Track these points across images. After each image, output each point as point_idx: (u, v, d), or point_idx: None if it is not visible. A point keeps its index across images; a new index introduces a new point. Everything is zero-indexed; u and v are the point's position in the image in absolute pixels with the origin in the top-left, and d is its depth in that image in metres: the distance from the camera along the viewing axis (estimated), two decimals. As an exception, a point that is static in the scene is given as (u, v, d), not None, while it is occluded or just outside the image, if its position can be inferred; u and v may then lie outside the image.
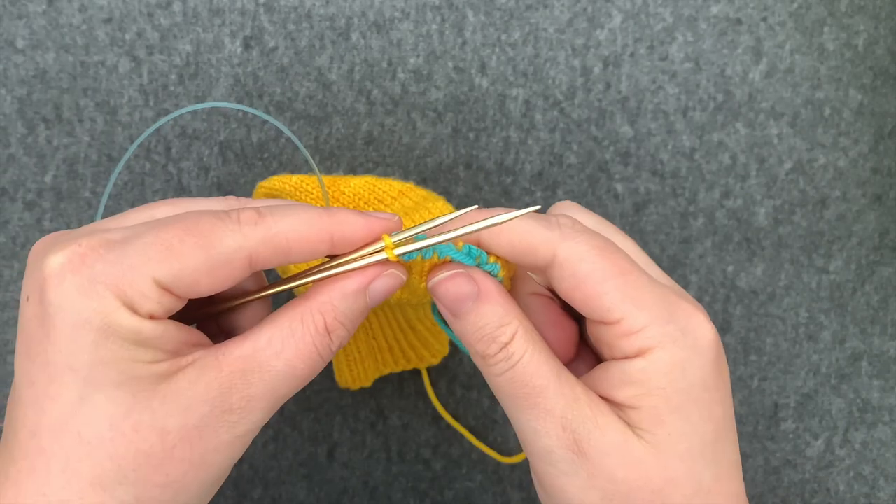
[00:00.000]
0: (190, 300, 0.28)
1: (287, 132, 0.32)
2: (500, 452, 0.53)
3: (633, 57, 0.53)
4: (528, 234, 0.30)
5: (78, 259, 0.26)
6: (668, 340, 0.28)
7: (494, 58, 0.53)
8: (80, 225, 0.53)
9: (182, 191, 0.53)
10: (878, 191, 0.54)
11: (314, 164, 0.33)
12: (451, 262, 0.31)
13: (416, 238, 0.30)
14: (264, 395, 0.27)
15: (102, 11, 0.52)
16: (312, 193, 0.43)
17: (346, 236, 0.29)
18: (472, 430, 0.53)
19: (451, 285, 0.30)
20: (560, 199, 0.54)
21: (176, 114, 0.33)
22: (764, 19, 0.54)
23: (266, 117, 0.31)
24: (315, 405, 0.53)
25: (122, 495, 0.25)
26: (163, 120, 0.33)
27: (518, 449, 0.54)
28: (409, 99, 0.53)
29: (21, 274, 0.53)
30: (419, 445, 0.54)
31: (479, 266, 0.31)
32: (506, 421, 0.54)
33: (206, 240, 0.26)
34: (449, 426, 0.53)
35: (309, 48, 0.53)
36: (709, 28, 0.53)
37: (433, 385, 0.53)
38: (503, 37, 0.53)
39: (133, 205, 0.53)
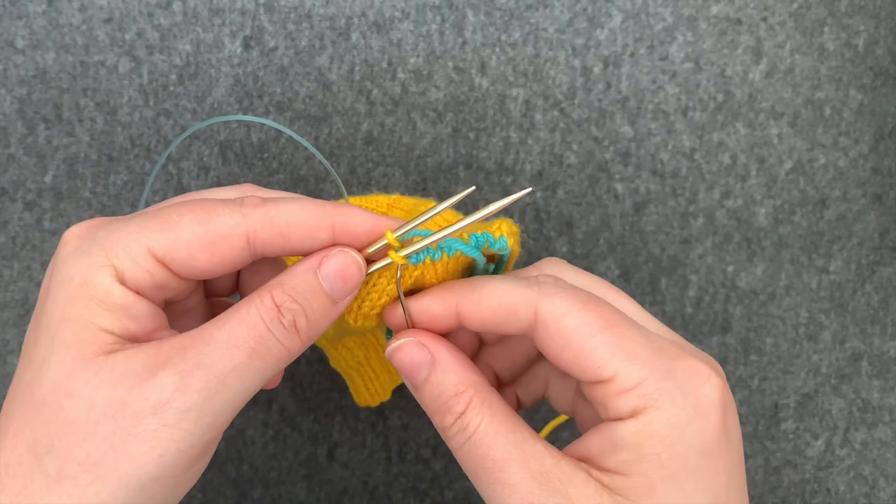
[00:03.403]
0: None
1: (317, 154, 0.32)
2: (500, 452, 0.53)
3: (633, 57, 0.53)
4: (507, 294, 0.28)
5: (86, 228, 0.28)
6: (664, 399, 0.26)
7: (494, 58, 0.53)
8: (80, 225, 0.53)
9: (182, 191, 0.53)
10: (878, 191, 0.54)
11: (340, 183, 0.33)
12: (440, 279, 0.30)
13: (421, 234, 0.29)
14: (200, 368, 0.25)
15: (102, 11, 0.52)
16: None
17: (347, 227, 0.28)
18: (472, 430, 0.53)
19: (402, 354, 0.29)
20: (560, 199, 0.54)
21: (218, 119, 0.33)
22: (764, 19, 0.54)
23: (302, 140, 0.31)
24: (315, 405, 0.53)
25: (48, 465, 0.25)
26: (207, 122, 0.33)
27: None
28: (409, 99, 0.53)
29: (21, 274, 0.53)
30: (419, 445, 0.54)
31: (500, 259, 0.30)
32: (506, 421, 0.54)
33: (204, 215, 0.27)
34: (449, 426, 0.53)
35: (309, 48, 0.53)
36: (709, 28, 0.53)
37: (433, 385, 0.53)
38: (503, 37, 0.53)
39: (133, 205, 0.53)
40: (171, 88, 0.53)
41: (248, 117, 0.29)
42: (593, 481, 0.26)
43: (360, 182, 0.53)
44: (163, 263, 0.27)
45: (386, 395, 0.51)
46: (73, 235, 0.27)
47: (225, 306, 0.34)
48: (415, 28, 0.53)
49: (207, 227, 0.27)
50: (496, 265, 0.33)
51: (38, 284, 0.53)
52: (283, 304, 0.27)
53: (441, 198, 0.53)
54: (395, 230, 0.29)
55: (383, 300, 0.31)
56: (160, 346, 0.26)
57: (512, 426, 0.28)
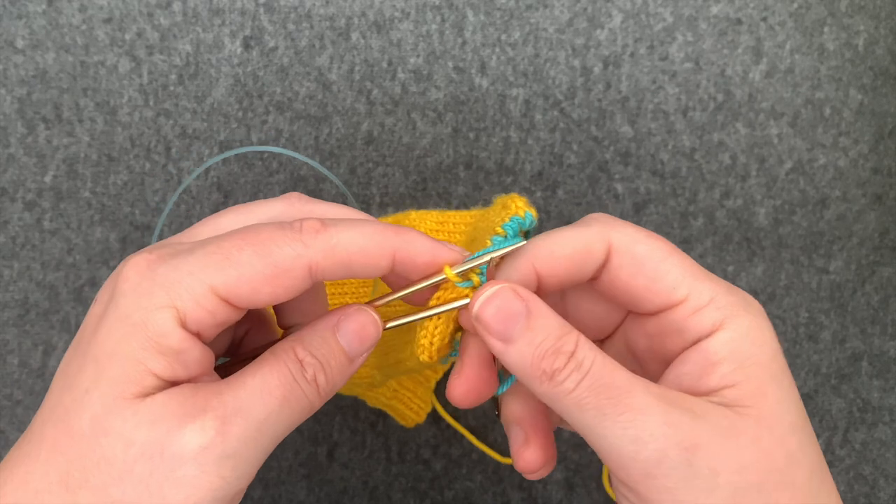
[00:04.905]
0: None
1: (336, 181, 0.32)
2: (500, 452, 0.53)
3: (633, 57, 0.53)
4: (578, 238, 0.29)
5: (145, 264, 0.27)
6: (738, 309, 0.27)
7: (494, 58, 0.53)
8: (78, 225, 0.53)
9: (182, 191, 0.53)
10: (878, 191, 0.54)
11: (354, 201, 0.33)
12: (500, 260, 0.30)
13: (481, 269, 0.29)
14: (239, 415, 0.25)
15: (102, 11, 0.52)
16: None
17: (409, 256, 0.28)
18: (472, 430, 0.53)
19: (499, 301, 0.28)
20: (560, 199, 0.54)
21: (250, 149, 0.33)
22: (764, 19, 0.54)
23: (324, 171, 0.31)
24: (315, 405, 0.53)
25: (81, 499, 0.24)
26: (241, 150, 0.33)
27: (518, 449, 0.53)
28: (409, 99, 0.53)
29: (21, 274, 0.53)
30: (419, 445, 0.54)
31: (527, 234, 0.30)
32: (506, 421, 0.54)
33: (265, 248, 0.26)
34: (449, 426, 0.53)
35: (309, 48, 0.53)
36: (709, 28, 0.53)
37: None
38: (503, 37, 0.53)
39: (133, 204, 0.53)
40: (171, 88, 0.53)
41: (288, 152, 0.29)
42: (704, 399, 0.27)
43: (360, 182, 0.53)
44: (225, 300, 0.26)
45: (428, 407, 0.51)
46: (134, 272, 0.27)
47: (256, 313, 0.34)
48: (415, 28, 0.53)
49: (268, 260, 0.26)
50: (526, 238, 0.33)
51: (38, 284, 0.53)
52: (303, 359, 0.27)
53: (440, 198, 0.53)
54: (454, 266, 0.29)
55: (451, 327, 0.30)
56: (196, 389, 0.26)
57: (617, 363, 0.27)
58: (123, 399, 0.25)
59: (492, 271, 0.30)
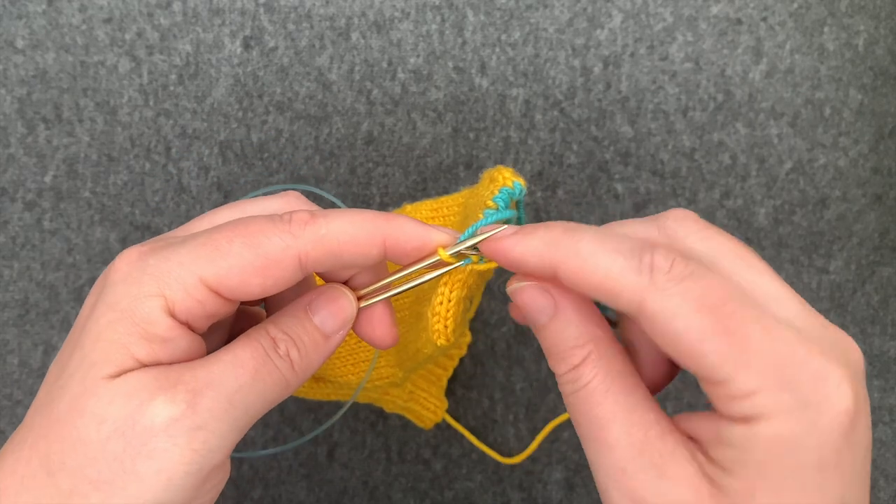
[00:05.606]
0: None
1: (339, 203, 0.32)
2: (500, 452, 0.53)
3: (633, 57, 0.53)
4: (610, 277, 0.25)
5: (136, 255, 0.27)
6: (780, 412, 0.23)
7: (494, 58, 0.53)
8: (78, 225, 0.53)
9: (182, 191, 0.53)
10: (878, 191, 0.54)
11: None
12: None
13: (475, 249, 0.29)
14: (210, 388, 0.26)
15: (102, 11, 0.52)
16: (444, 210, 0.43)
17: (399, 243, 0.28)
18: (472, 430, 0.53)
19: (525, 296, 0.28)
20: (560, 199, 0.54)
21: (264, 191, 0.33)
22: (764, 19, 0.54)
23: (331, 198, 0.31)
24: (315, 405, 0.53)
25: (61, 483, 0.25)
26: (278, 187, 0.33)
27: (518, 449, 0.54)
28: (409, 99, 0.53)
29: (21, 274, 0.53)
30: (419, 445, 0.54)
31: (518, 204, 0.29)
32: (506, 421, 0.54)
33: (254, 239, 0.27)
34: (449, 426, 0.53)
35: (309, 48, 0.53)
36: (709, 28, 0.53)
37: (433, 385, 0.53)
38: (503, 37, 0.53)
39: (133, 204, 0.53)
40: (171, 88, 0.53)
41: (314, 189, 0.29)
42: (695, 465, 0.25)
43: (360, 182, 0.53)
44: (215, 292, 0.27)
45: (444, 405, 0.52)
46: (125, 262, 0.27)
47: (250, 313, 0.34)
48: (415, 28, 0.53)
49: (258, 251, 0.27)
50: (517, 209, 0.32)
51: (38, 284, 0.53)
52: (275, 336, 0.28)
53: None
54: (448, 248, 0.28)
55: (462, 307, 0.31)
56: (171, 366, 0.26)
57: (625, 388, 0.26)
58: (101, 379, 0.25)
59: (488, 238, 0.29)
